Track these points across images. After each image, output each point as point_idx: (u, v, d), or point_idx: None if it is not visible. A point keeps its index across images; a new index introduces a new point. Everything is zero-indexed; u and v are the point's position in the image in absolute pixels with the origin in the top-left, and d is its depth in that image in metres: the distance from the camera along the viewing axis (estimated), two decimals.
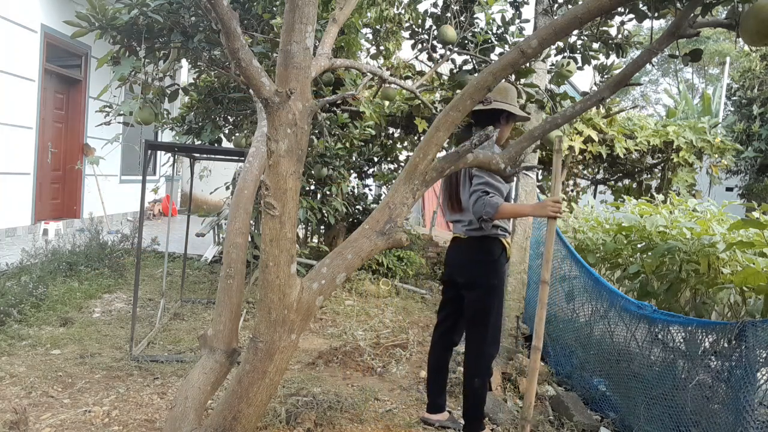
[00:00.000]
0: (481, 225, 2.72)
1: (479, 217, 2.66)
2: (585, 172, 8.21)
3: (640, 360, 2.93)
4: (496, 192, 2.66)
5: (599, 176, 8.27)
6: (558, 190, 2.64)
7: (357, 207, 6.98)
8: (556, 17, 3.34)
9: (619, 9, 3.10)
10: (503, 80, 2.61)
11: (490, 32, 4.27)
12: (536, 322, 2.59)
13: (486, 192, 2.65)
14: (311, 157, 5.45)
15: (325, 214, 5.84)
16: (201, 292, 5.68)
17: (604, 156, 7.06)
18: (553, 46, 3.89)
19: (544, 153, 7.16)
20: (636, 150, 7.16)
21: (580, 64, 4.18)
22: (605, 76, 4.07)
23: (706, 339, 2.51)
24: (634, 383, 2.94)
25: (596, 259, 4.12)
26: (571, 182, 8.19)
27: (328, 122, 5.59)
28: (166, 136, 10.62)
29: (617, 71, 3.48)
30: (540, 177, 7.48)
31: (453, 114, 2.20)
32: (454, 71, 4.44)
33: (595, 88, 4.07)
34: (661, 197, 5.07)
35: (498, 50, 4.32)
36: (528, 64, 3.95)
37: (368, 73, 3.59)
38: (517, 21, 4.27)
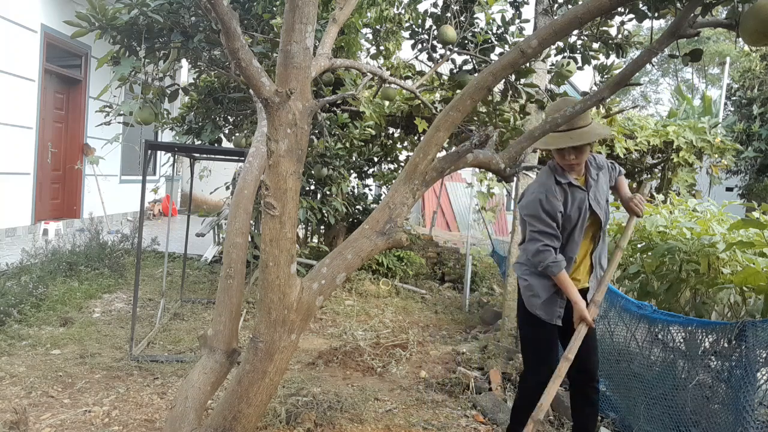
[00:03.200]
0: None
1: (537, 265, 2.57)
2: None
3: (640, 360, 2.92)
4: (550, 242, 2.52)
5: None
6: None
7: (357, 207, 6.98)
8: (556, 17, 3.34)
9: (619, 9, 3.10)
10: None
11: (490, 32, 4.26)
12: (574, 338, 2.48)
13: (546, 246, 2.51)
14: (311, 157, 5.45)
15: (325, 214, 5.84)
16: (201, 292, 5.68)
17: (604, 156, 7.05)
18: (553, 46, 3.88)
19: (544, 153, 7.16)
20: (636, 150, 7.14)
21: (580, 64, 4.18)
22: (605, 76, 4.07)
23: (706, 339, 2.51)
24: (634, 383, 2.94)
25: None
26: None
27: (328, 122, 5.59)
28: (166, 136, 10.62)
29: (617, 71, 3.48)
30: None
31: (453, 114, 2.20)
32: (454, 71, 4.44)
33: (595, 88, 4.07)
34: (661, 197, 5.07)
35: (498, 50, 4.32)
36: (528, 64, 3.95)
37: (368, 73, 3.59)
38: (517, 21, 4.27)
